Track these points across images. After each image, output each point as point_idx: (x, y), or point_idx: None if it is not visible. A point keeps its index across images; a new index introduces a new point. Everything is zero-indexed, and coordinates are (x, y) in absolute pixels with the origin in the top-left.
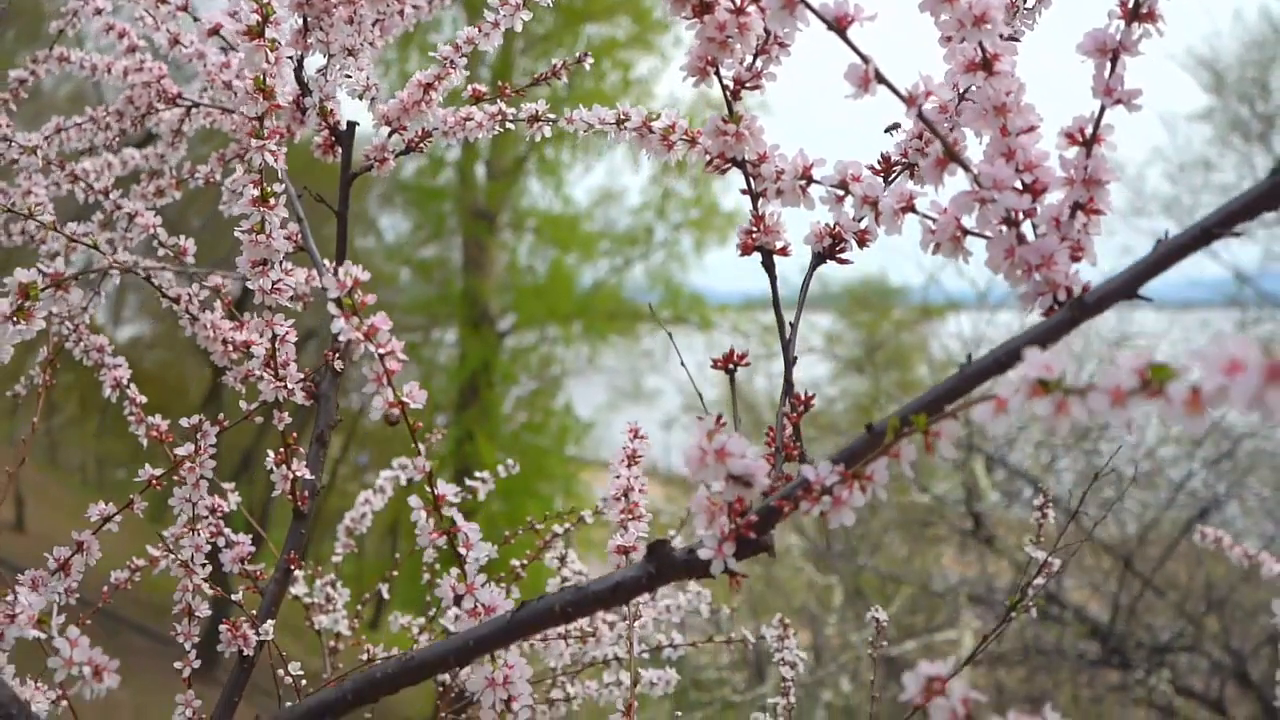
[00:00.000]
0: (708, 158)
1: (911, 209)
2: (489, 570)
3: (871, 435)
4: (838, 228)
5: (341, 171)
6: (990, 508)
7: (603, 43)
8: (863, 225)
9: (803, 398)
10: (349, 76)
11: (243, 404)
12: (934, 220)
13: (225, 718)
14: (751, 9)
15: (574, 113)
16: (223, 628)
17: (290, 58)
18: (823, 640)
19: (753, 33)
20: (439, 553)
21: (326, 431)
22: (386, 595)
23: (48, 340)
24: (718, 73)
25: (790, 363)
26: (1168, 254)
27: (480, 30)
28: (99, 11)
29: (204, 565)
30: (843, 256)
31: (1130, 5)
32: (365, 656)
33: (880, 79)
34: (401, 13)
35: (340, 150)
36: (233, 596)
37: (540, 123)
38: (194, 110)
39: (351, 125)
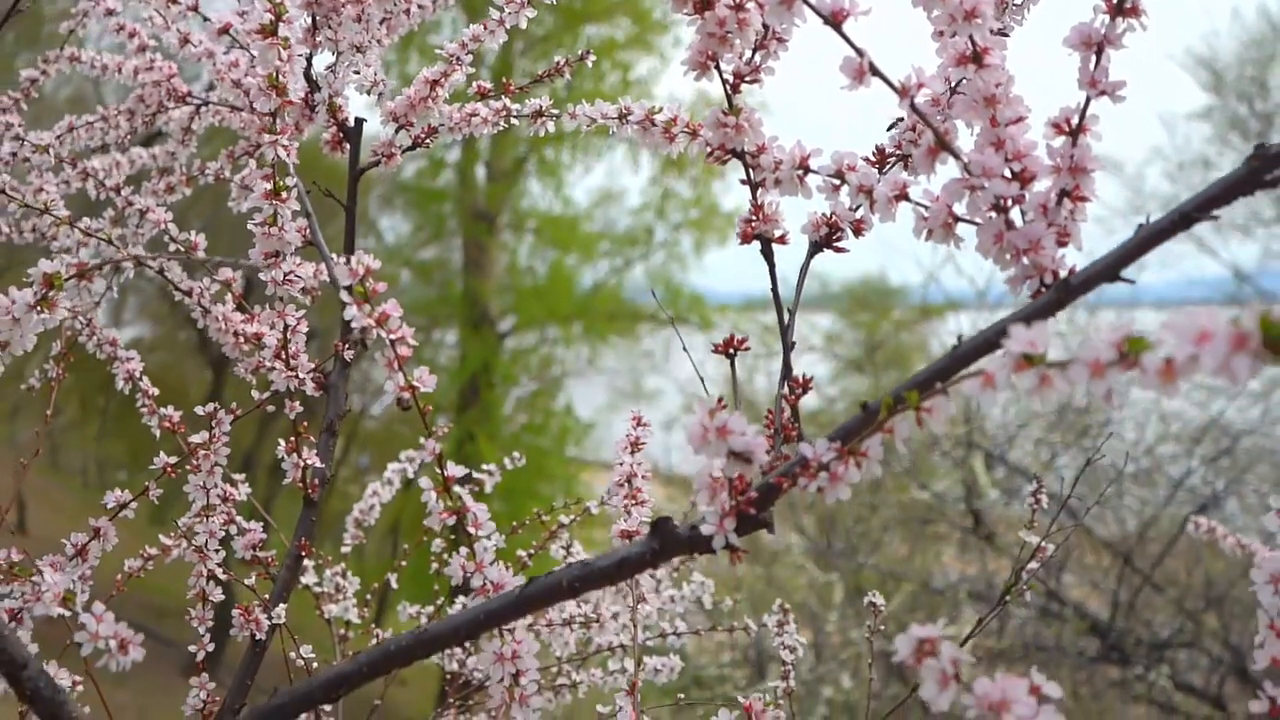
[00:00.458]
0: (708, 150)
1: (905, 197)
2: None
3: (866, 413)
4: (834, 217)
5: (350, 167)
6: (990, 505)
7: (602, 43)
8: (859, 214)
9: (800, 381)
10: (357, 73)
11: (241, 404)
12: (927, 208)
13: (239, 699)
14: (750, 5)
15: (577, 108)
16: (235, 612)
17: (300, 55)
18: (823, 638)
19: (751, 28)
20: (446, 542)
21: (336, 421)
22: (395, 585)
23: (60, 334)
24: (718, 67)
25: (788, 348)
26: (1148, 238)
27: (486, 28)
28: (110, 12)
29: (217, 551)
30: (839, 245)
31: (1115, 0)
32: (375, 641)
33: (874, 71)
34: (408, 11)
35: (348, 146)
36: (247, 581)
37: (544, 119)
38: (203, 109)
39: (359, 122)
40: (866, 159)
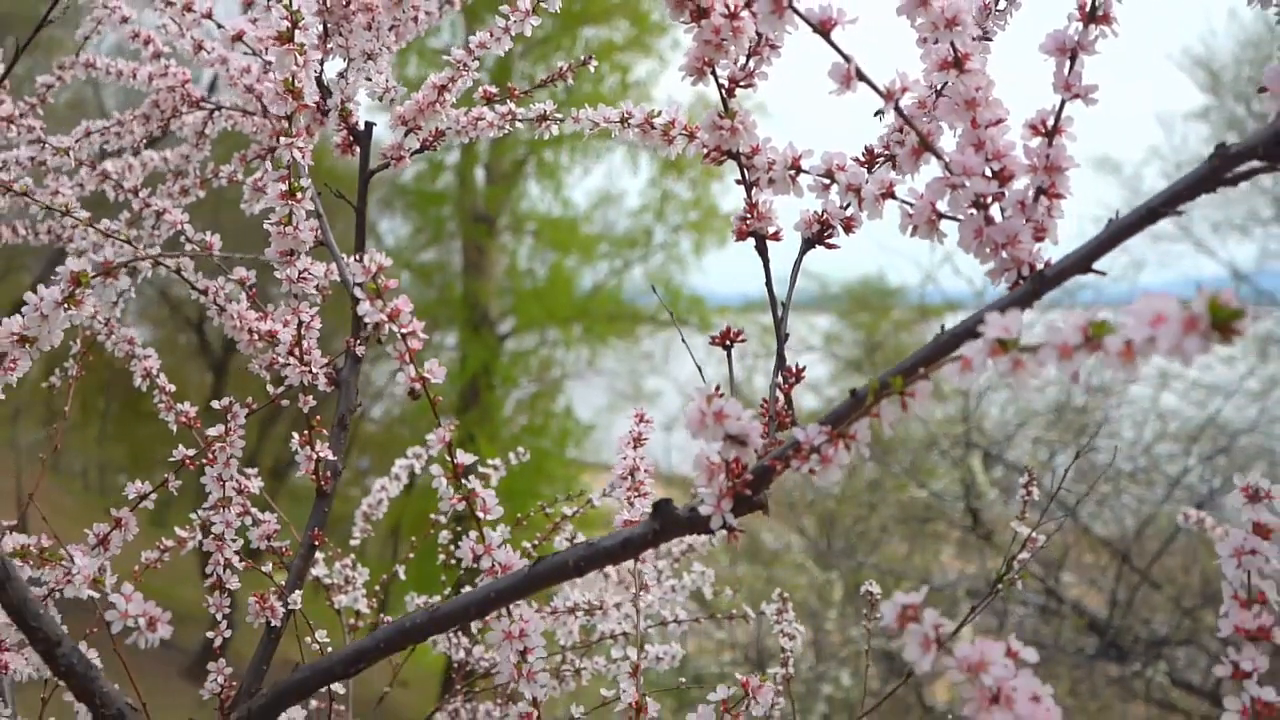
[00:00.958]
0: (705, 151)
1: (891, 195)
2: None
3: (855, 399)
4: (825, 214)
5: (360, 170)
6: (989, 504)
7: (600, 46)
8: (849, 212)
9: (794, 371)
10: (369, 80)
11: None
12: (912, 205)
13: (255, 683)
14: (744, 14)
15: (580, 112)
16: (251, 600)
17: (313, 61)
18: (823, 636)
19: (745, 35)
20: (453, 534)
21: (348, 415)
22: (403, 576)
23: (79, 334)
24: (714, 73)
25: (782, 339)
26: (1117, 232)
27: (491, 35)
28: (125, 20)
29: (234, 540)
30: (831, 242)
31: (1087, 9)
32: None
33: (861, 77)
34: (415, 19)
35: (358, 149)
36: (264, 569)
37: (548, 122)
38: (216, 113)
39: (369, 125)
40: (856, 159)
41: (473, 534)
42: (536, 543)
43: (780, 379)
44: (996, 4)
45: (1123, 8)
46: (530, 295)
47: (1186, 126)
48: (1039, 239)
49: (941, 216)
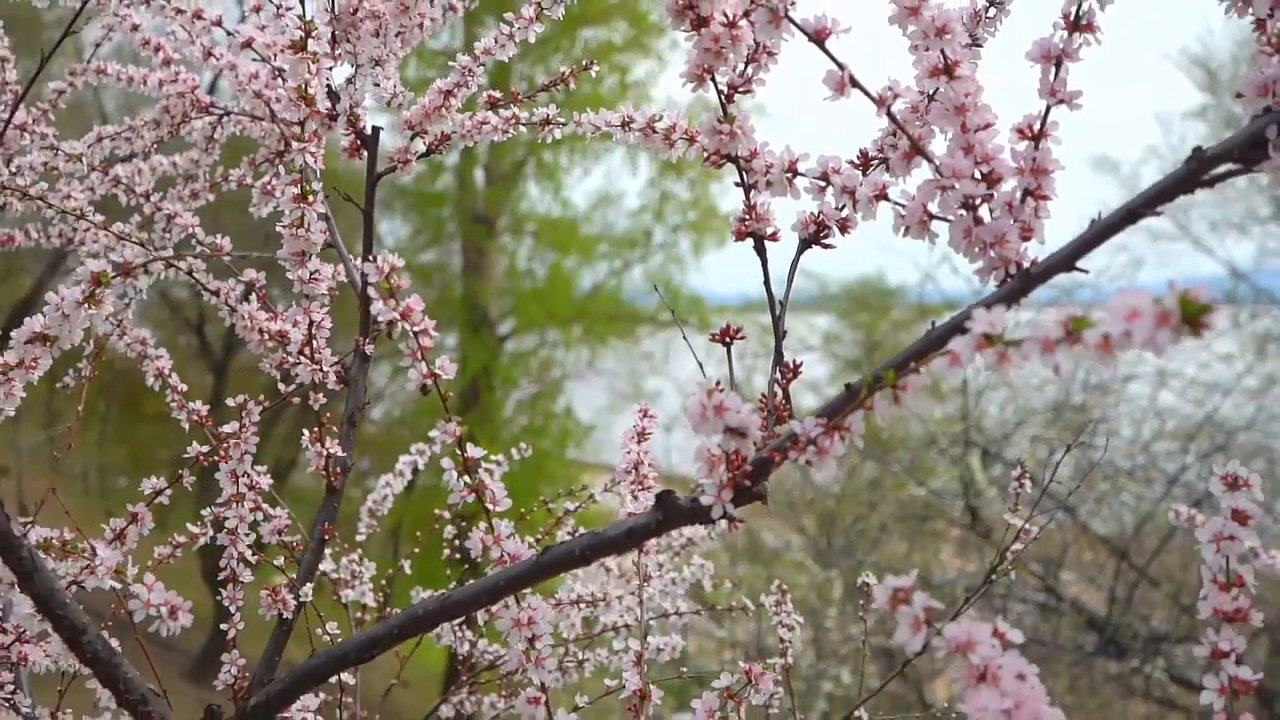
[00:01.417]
0: (705, 155)
1: (884, 197)
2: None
3: (849, 392)
4: (821, 215)
5: (368, 173)
6: (987, 502)
7: (599, 47)
8: (844, 213)
9: (791, 366)
10: (377, 85)
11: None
12: (904, 206)
13: (267, 674)
14: (743, 23)
15: (583, 116)
16: (263, 593)
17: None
18: (822, 634)
19: (744, 43)
20: (458, 529)
21: (356, 413)
22: (409, 570)
23: (92, 334)
24: (713, 79)
25: (780, 336)
26: (1100, 232)
27: (496, 42)
28: (135, 27)
29: (247, 534)
30: (827, 242)
31: (1072, 18)
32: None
33: (854, 83)
34: (420, 26)
35: (366, 153)
36: (275, 562)
37: (551, 126)
38: (225, 118)
39: (376, 130)
40: (851, 162)
41: (482, 525)
42: (539, 537)
43: (778, 374)
44: (986, 11)
45: (1122, 8)
46: (530, 296)
47: (1184, 125)
48: (1026, 238)
49: (932, 217)
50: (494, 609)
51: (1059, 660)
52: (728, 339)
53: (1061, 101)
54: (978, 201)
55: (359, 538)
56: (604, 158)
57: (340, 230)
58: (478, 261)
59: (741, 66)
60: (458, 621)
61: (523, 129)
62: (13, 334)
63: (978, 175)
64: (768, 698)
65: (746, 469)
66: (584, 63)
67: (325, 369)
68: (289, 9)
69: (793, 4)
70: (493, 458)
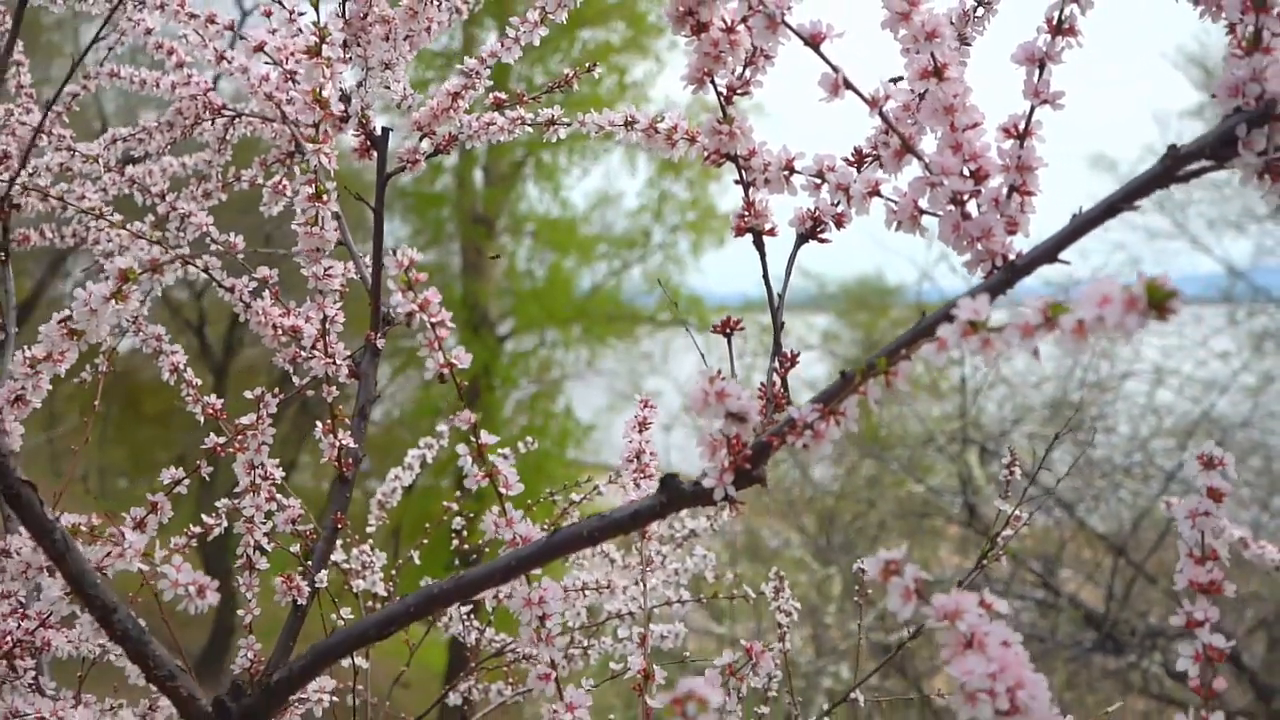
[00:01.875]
0: (705, 154)
1: (877, 193)
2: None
3: (844, 379)
4: (817, 211)
5: (378, 173)
6: (986, 499)
7: (597, 47)
8: (839, 209)
9: (789, 355)
10: (387, 88)
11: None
12: (896, 202)
13: (282, 659)
14: (741, 28)
15: (586, 116)
16: (277, 580)
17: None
18: (822, 631)
19: (742, 47)
20: (466, 521)
21: (368, 405)
22: (418, 561)
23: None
24: (713, 81)
25: (778, 327)
26: (1081, 225)
27: (503, 45)
28: (149, 31)
29: (264, 522)
30: (823, 237)
31: (1054, 22)
32: None
33: (848, 85)
34: (428, 30)
35: (376, 153)
36: (292, 549)
37: (556, 126)
38: (237, 120)
39: (386, 131)
40: (846, 160)
41: (495, 509)
42: (544, 527)
43: (777, 364)
44: (975, 11)
45: (1122, 8)
46: (529, 296)
47: (1181, 124)
48: (1012, 232)
49: (923, 212)
50: (503, 591)
51: (1057, 656)
52: (728, 330)
53: (1045, 102)
54: (966, 197)
55: (369, 529)
56: (602, 158)
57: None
58: (477, 262)
59: (740, 69)
60: (465, 610)
61: (528, 129)
62: (40, 329)
63: (966, 172)
64: (766, 680)
65: (747, 453)
66: (587, 65)
67: (338, 362)
68: (300, 14)
69: (789, 9)
70: (499, 451)
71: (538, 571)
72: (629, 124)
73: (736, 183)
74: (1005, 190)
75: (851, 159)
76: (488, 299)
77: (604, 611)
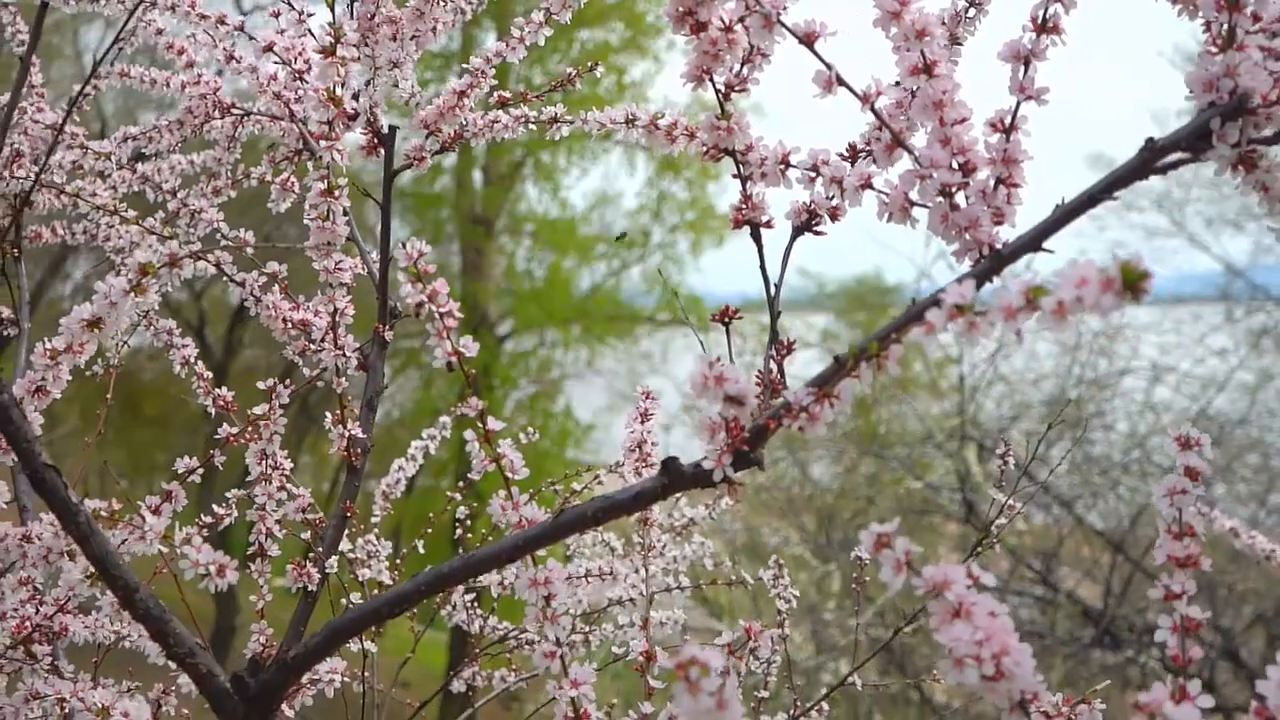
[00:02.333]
0: (704, 149)
1: (869, 186)
2: None
3: (837, 364)
4: (813, 204)
5: (385, 170)
6: (984, 496)
7: (596, 48)
8: (834, 202)
9: (785, 343)
10: (396, 86)
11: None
12: (887, 194)
13: (295, 640)
14: (738, 27)
15: (589, 114)
16: (289, 567)
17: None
18: (821, 628)
19: (739, 46)
20: (470, 510)
21: (375, 397)
22: (423, 550)
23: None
24: (711, 79)
25: (775, 315)
26: (1065, 214)
27: (508, 45)
28: (160, 32)
29: (276, 508)
30: (818, 229)
31: (1039, 20)
32: None
33: (840, 82)
34: (434, 30)
35: (383, 151)
36: (303, 535)
37: (559, 123)
38: (246, 119)
39: (393, 129)
40: (840, 154)
41: (501, 493)
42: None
43: (774, 351)
44: (966, 11)
45: (1122, 8)
46: (529, 296)
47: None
48: (998, 223)
49: (913, 204)
50: (508, 578)
51: (1056, 652)
52: (726, 319)
53: (1030, 98)
54: (954, 189)
55: (373, 519)
56: (602, 158)
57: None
58: (476, 262)
59: (737, 67)
60: (469, 599)
61: (531, 126)
62: (61, 321)
63: (954, 165)
64: (765, 666)
65: (744, 435)
66: (589, 64)
67: (348, 354)
68: (310, 15)
69: (785, 9)
70: (503, 442)
71: (543, 554)
72: (630, 121)
73: (734, 176)
74: (992, 182)
75: (845, 154)
76: (487, 299)
77: (604, 600)
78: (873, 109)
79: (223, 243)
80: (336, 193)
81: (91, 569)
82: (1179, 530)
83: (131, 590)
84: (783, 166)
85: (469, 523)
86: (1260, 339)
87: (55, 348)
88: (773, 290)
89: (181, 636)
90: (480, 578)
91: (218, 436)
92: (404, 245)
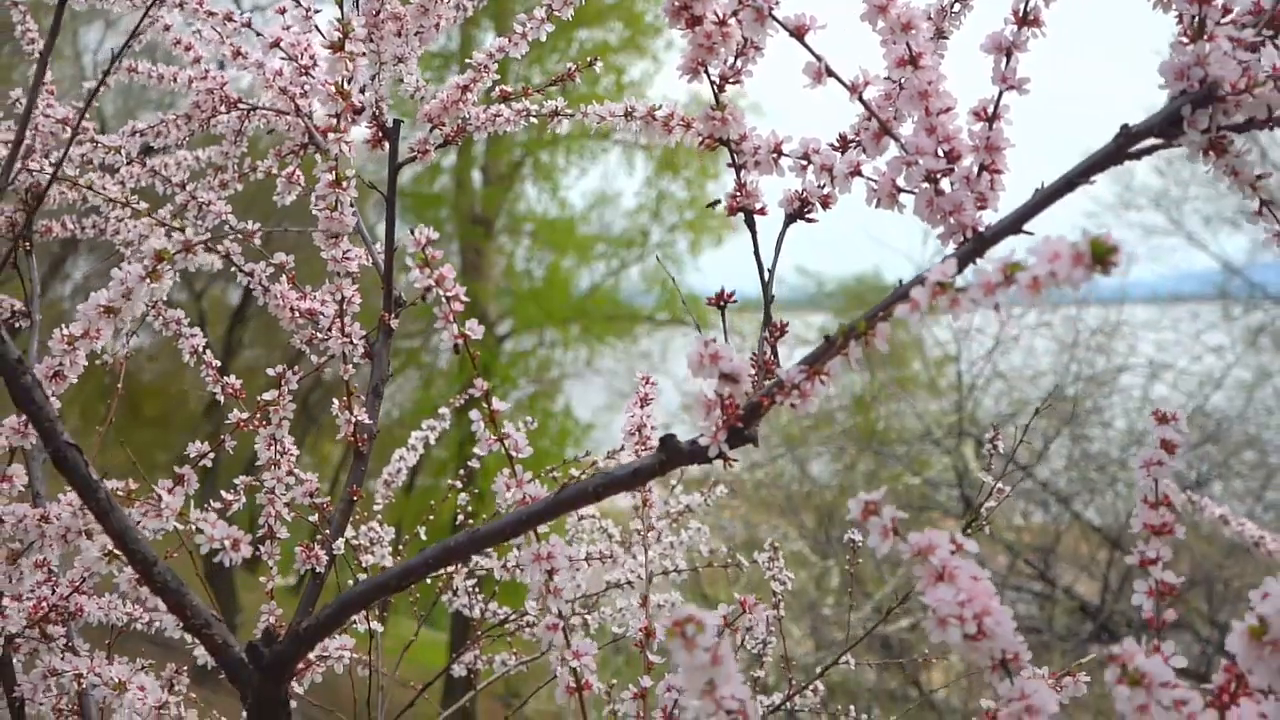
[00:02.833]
0: (700, 140)
1: (858, 173)
2: None
3: (828, 342)
4: (805, 192)
5: (390, 162)
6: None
7: (595, 47)
8: (825, 190)
9: (778, 325)
10: (401, 81)
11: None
12: (876, 181)
13: (304, 619)
14: (732, 21)
15: (588, 108)
16: (297, 550)
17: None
18: (820, 624)
19: (733, 39)
20: (470, 497)
21: (381, 384)
22: (425, 536)
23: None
24: (706, 71)
25: (769, 301)
26: (1043, 198)
27: (510, 41)
28: (168, 28)
29: (286, 491)
30: (810, 216)
31: (1020, 14)
32: None
33: (830, 73)
34: (437, 25)
35: (388, 144)
36: (311, 518)
37: (560, 117)
38: (252, 113)
39: (397, 122)
40: (831, 144)
41: (505, 471)
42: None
43: (767, 332)
44: (951, 6)
45: (1122, 9)
46: (528, 296)
47: None
48: (982, 207)
49: (900, 190)
50: (510, 564)
51: (1054, 648)
52: (722, 303)
53: (1012, 88)
54: (939, 175)
55: (376, 507)
56: (601, 158)
57: None
58: (476, 262)
59: (731, 59)
60: (472, 584)
61: (533, 120)
62: (78, 308)
63: (939, 153)
64: (761, 645)
65: (739, 412)
66: (588, 60)
67: (355, 341)
68: (316, 11)
69: (776, 3)
70: (505, 429)
71: (545, 531)
72: (629, 114)
73: (729, 165)
74: (976, 169)
75: (836, 143)
76: (487, 299)
77: (603, 584)
78: (861, 99)
79: (230, 235)
80: (344, 184)
81: (109, 546)
82: (1155, 500)
83: (150, 563)
84: (775, 155)
85: (469, 509)
86: (1257, 336)
87: (72, 333)
88: (766, 276)
89: (198, 609)
90: (483, 563)
91: (228, 421)
92: (411, 232)
